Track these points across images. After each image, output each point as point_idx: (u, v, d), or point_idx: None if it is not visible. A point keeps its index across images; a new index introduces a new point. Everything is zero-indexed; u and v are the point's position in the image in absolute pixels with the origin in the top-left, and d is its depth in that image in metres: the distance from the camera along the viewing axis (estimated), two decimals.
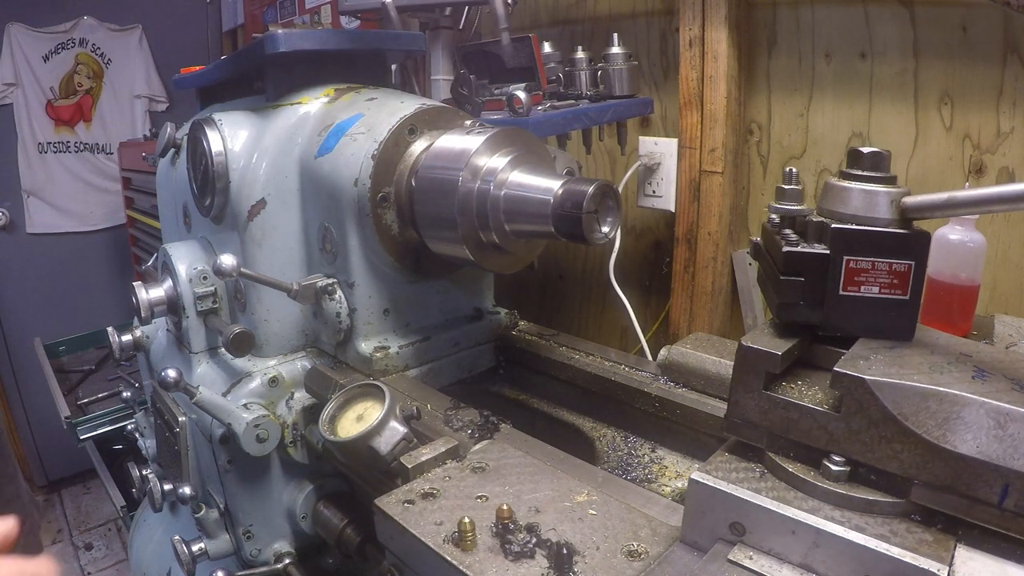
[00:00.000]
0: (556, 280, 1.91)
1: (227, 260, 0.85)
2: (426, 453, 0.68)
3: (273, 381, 0.95)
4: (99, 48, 3.14)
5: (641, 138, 1.56)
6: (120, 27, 3.17)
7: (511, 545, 0.54)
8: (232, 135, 1.00)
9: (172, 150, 1.19)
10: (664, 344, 0.90)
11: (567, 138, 1.37)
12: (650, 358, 1.17)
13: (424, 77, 1.83)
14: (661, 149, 1.52)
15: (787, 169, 0.61)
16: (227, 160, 0.98)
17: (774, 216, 0.61)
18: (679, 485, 0.79)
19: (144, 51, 3.24)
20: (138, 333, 1.17)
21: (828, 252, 0.52)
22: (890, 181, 0.53)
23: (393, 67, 1.38)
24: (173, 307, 1.02)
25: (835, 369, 0.48)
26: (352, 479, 0.96)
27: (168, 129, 1.19)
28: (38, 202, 3.09)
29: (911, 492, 0.46)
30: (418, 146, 0.91)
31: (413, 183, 0.89)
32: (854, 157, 0.54)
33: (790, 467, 0.51)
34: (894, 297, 0.52)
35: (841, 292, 0.52)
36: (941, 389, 0.45)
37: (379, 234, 0.89)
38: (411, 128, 0.91)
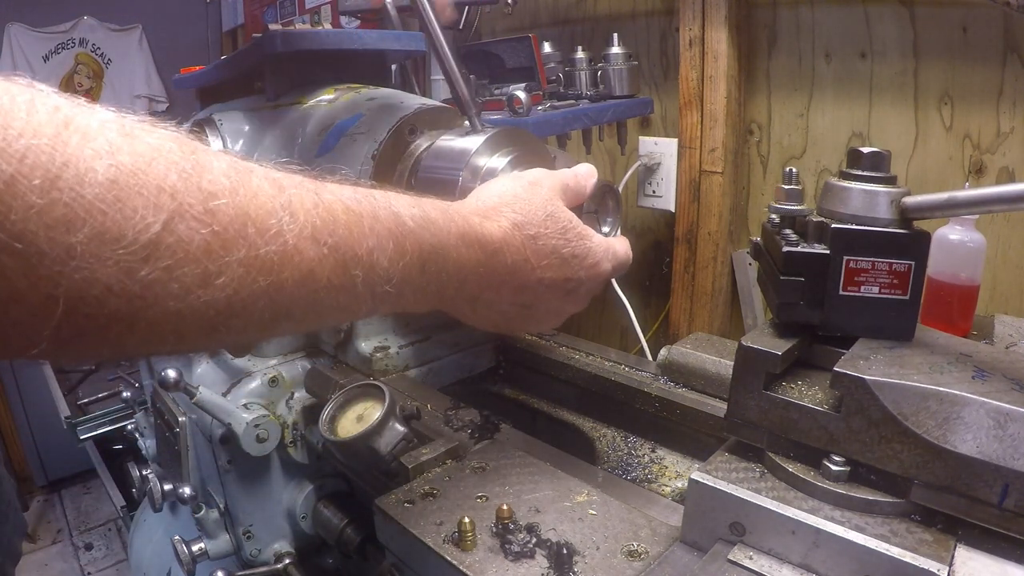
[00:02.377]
0: None
1: None
2: (426, 453, 0.68)
3: (273, 381, 0.95)
4: (99, 48, 3.15)
5: (641, 138, 1.56)
6: (120, 27, 3.18)
7: (511, 545, 0.54)
8: (232, 135, 1.00)
9: None
10: (664, 344, 0.90)
11: (567, 138, 1.37)
12: (650, 358, 1.17)
13: (424, 77, 1.83)
14: (661, 149, 1.52)
15: (787, 169, 0.61)
16: None
17: (774, 216, 0.61)
18: (679, 485, 0.79)
19: (144, 51, 3.25)
20: None
21: (828, 252, 0.52)
22: (890, 181, 0.53)
23: (393, 67, 1.38)
24: None
25: (835, 369, 0.48)
26: (352, 479, 0.96)
27: None
28: None
29: (911, 492, 0.46)
30: (418, 146, 0.91)
31: (413, 183, 0.89)
32: (854, 157, 0.54)
33: (790, 467, 0.51)
34: (894, 297, 0.52)
35: (841, 292, 0.52)
36: (941, 389, 0.45)
37: None
38: (411, 128, 0.91)
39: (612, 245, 0.69)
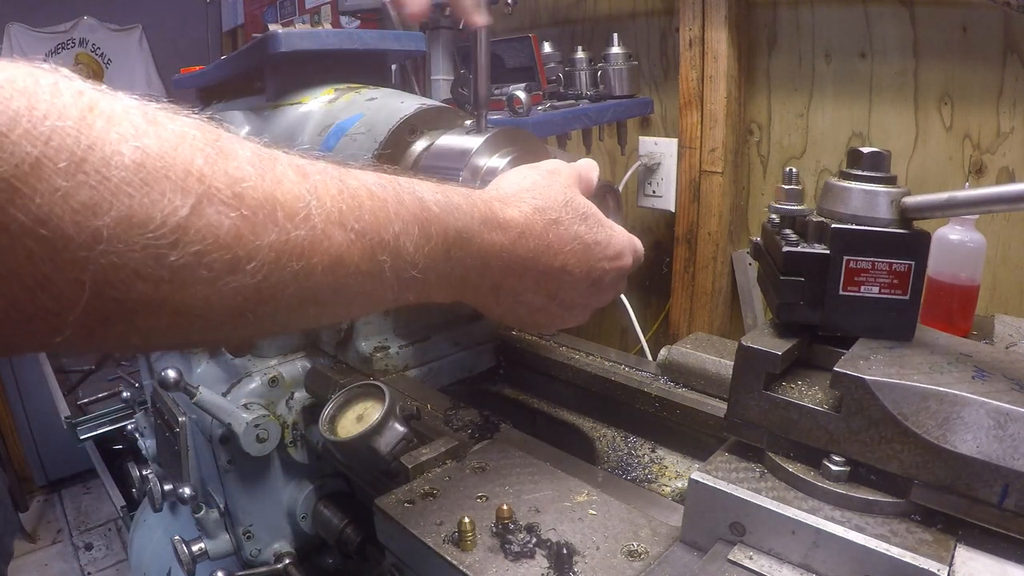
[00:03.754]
0: None
1: None
2: (426, 453, 0.68)
3: (273, 381, 0.95)
4: (99, 48, 3.15)
5: (641, 138, 1.56)
6: (120, 27, 3.18)
7: (511, 545, 0.54)
8: None
9: None
10: (664, 344, 0.90)
11: (567, 138, 1.37)
12: (650, 358, 1.17)
13: (424, 77, 1.83)
14: (661, 149, 1.52)
15: (787, 169, 0.61)
16: None
17: (774, 216, 0.61)
18: (679, 485, 0.79)
19: (144, 51, 3.25)
20: None
21: (828, 252, 0.52)
22: (890, 181, 0.53)
23: (393, 67, 1.38)
24: None
25: (835, 369, 0.48)
26: (352, 479, 0.96)
27: None
28: None
29: (911, 492, 0.46)
30: (418, 146, 0.91)
31: None
32: (854, 157, 0.54)
33: (790, 467, 0.51)
34: (894, 297, 0.52)
35: (841, 292, 0.52)
36: (941, 389, 0.45)
37: None
38: (411, 128, 0.91)
39: (634, 239, 0.70)
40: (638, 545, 0.55)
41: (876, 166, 0.53)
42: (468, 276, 0.55)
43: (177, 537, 1.01)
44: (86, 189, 0.29)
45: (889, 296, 0.52)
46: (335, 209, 0.41)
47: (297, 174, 0.40)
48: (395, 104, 0.95)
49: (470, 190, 0.57)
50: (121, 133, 0.31)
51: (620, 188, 1.49)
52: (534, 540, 0.55)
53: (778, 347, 0.52)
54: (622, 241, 0.67)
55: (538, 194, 0.61)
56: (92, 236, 0.30)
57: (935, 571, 0.41)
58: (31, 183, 0.28)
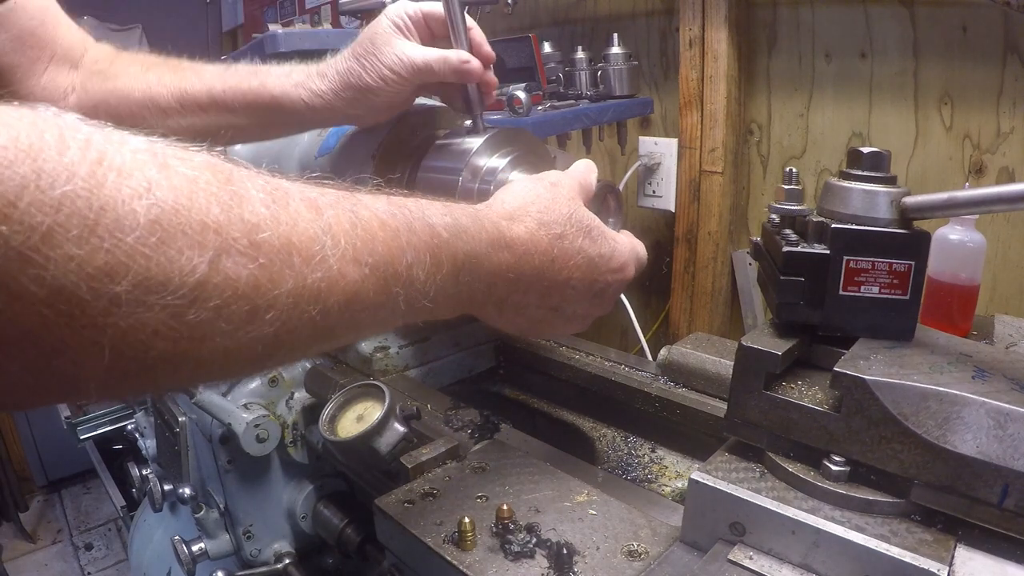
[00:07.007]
0: None
1: None
2: (426, 453, 0.68)
3: (273, 381, 0.95)
4: None
5: (641, 138, 1.56)
6: (120, 27, 3.17)
7: (511, 545, 0.54)
8: None
9: None
10: (664, 344, 0.90)
11: (567, 138, 1.38)
12: (650, 358, 1.17)
13: None
14: (661, 149, 1.52)
15: (787, 169, 0.61)
16: None
17: (774, 216, 0.61)
18: (679, 485, 0.79)
19: (144, 51, 3.24)
20: None
21: (828, 252, 0.52)
22: (890, 181, 0.53)
23: None
24: None
25: (835, 369, 0.48)
26: (352, 479, 0.96)
27: None
28: None
29: (911, 492, 0.46)
30: (418, 146, 0.91)
31: (413, 183, 0.89)
32: (854, 157, 0.54)
33: (790, 467, 0.51)
34: (894, 297, 0.52)
35: (841, 292, 0.52)
36: (941, 389, 0.45)
37: None
38: (411, 128, 0.91)
39: (637, 247, 0.70)
40: (638, 545, 0.55)
41: (876, 166, 0.53)
42: (475, 296, 0.55)
43: (177, 537, 1.01)
44: (101, 254, 0.28)
45: (889, 296, 0.52)
46: (349, 246, 0.40)
47: (310, 210, 0.39)
48: None
49: (476, 209, 0.57)
50: (133, 188, 0.30)
51: (620, 188, 1.49)
52: (534, 540, 0.55)
53: (778, 347, 0.52)
54: (625, 252, 0.67)
55: (543, 208, 0.60)
56: (109, 301, 0.29)
57: (935, 571, 0.41)
58: (43, 252, 0.27)
